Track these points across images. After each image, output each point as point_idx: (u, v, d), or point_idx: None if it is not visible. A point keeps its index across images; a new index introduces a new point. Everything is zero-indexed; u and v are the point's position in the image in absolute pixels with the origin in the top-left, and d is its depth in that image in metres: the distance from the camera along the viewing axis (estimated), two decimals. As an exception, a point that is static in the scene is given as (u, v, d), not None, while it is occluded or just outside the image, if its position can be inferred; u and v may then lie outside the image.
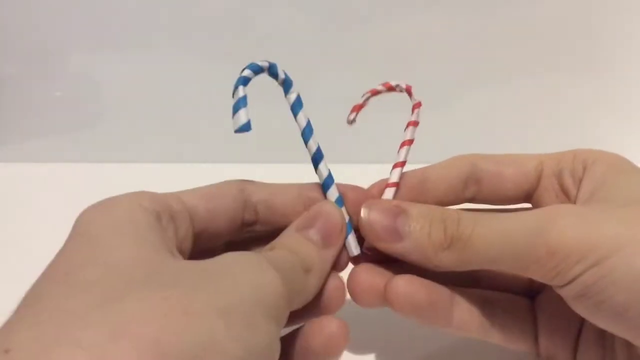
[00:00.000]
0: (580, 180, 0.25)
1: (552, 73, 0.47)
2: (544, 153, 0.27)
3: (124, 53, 0.45)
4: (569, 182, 0.25)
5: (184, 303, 0.16)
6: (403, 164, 0.27)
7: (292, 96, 0.25)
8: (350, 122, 0.27)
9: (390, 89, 0.27)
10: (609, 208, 0.22)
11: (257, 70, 0.24)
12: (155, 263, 0.18)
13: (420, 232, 0.23)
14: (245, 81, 0.23)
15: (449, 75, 0.46)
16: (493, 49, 0.45)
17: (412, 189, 0.27)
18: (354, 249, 0.25)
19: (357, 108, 0.27)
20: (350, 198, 0.25)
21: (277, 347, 0.19)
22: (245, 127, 0.22)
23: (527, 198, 0.27)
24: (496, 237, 0.22)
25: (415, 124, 0.27)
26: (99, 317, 0.15)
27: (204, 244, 0.24)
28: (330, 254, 0.24)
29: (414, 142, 0.27)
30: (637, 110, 0.47)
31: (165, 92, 0.46)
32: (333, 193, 0.25)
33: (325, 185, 0.25)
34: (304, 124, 0.25)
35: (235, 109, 0.23)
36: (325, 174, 0.25)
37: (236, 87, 0.23)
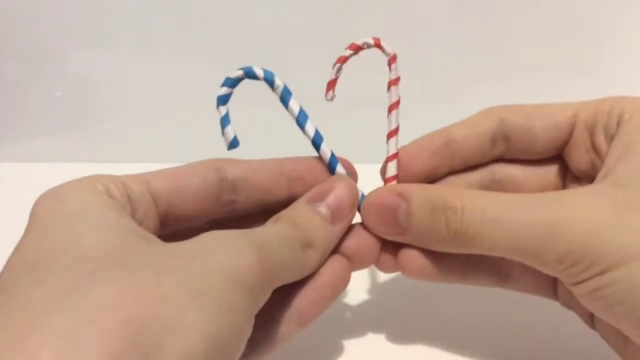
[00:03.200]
0: (612, 139, 0.23)
1: (552, 73, 0.46)
2: (581, 101, 0.26)
3: (124, 53, 0.45)
4: (600, 138, 0.24)
5: (153, 285, 0.16)
6: (396, 131, 0.26)
7: (279, 88, 0.24)
8: (330, 99, 0.25)
9: (358, 48, 0.25)
10: (626, 201, 0.21)
11: (233, 84, 0.24)
12: (122, 247, 0.18)
13: (420, 225, 0.23)
14: (223, 100, 0.24)
15: (449, 75, 0.46)
16: (493, 48, 0.45)
17: (436, 153, 0.26)
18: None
19: (332, 84, 0.25)
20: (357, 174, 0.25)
21: (250, 323, 0.19)
22: (234, 143, 0.24)
23: (558, 151, 0.26)
24: (504, 237, 0.21)
25: (396, 81, 0.25)
26: (70, 304, 0.15)
27: (179, 225, 0.23)
28: (337, 230, 0.23)
29: (401, 102, 0.25)
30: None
31: (165, 92, 0.46)
32: (340, 171, 0.25)
33: (330, 165, 0.25)
34: (297, 111, 0.24)
35: (222, 128, 0.24)
36: (328, 154, 0.25)
37: (217, 107, 0.24)
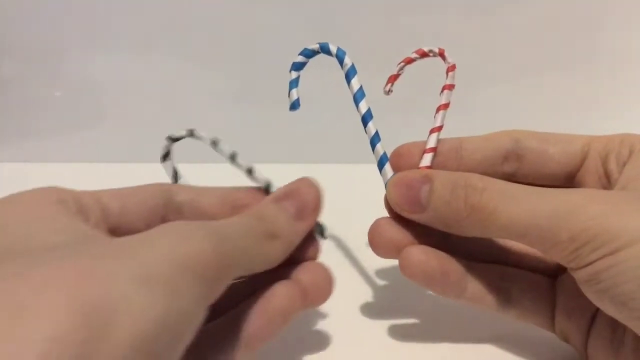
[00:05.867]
0: (624, 165, 0.24)
1: (552, 73, 0.47)
2: (592, 135, 0.27)
3: (124, 53, 0.45)
4: (613, 166, 0.25)
5: (99, 268, 0.16)
6: (440, 128, 0.27)
7: (347, 66, 0.26)
8: (387, 92, 0.28)
9: (424, 55, 0.27)
10: (638, 199, 0.22)
11: (308, 54, 0.27)
12: (72, 240, 0.18)
13: (440, 200, 0.24)
14: (296, 67, 0.27)
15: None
16: (493, 49, 0.45)
17: (442, 155, 0.27)
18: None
19: (393, 78, 0.28)
20: (392, 162, 0.27)
21: (202, 311, 0.19)
22: (295, 104, 0.27)
23: (569, 179, 0.27)
24: (520, 217, 0.22)
25: (450, 87, 0.27)
26: (17, 283, 0.15)
27: None
28: (301, 227, 0.24)
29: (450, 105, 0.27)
30: (638, 110, 0.47)
31: (165, 92, 0.46)
32: (379, 151, 0.27)
33: (372, 142, 0.27)
34: (356, 89, 0.26)
35: (289, 89, 0.27)
36: (373, 132, 0.26)
37: (290, 71, 0.27)
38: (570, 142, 0.27)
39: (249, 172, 0.25)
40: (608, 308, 0.22)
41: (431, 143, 0.27)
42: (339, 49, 0.26)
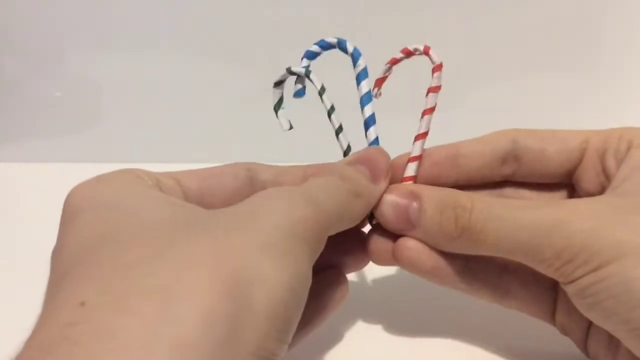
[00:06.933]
0: (622, 161, 0.24)
1: (552, 73, 0.47)
2: (591, 129, 0.26)
3: (124, 53, 0.45)
4: (611, 162, 0.25)
5: (227, 243, 0.17)
6: (425, 135, 0.26)
7: (360, 67, 0.26)
8: (375, 96, 0.27)
9: (409, 54, 0.26)
10: (626, 207, 0.22)
11: (325, 46, 0.26)
12: (183, 215, 0.19)
13: (431, 222, 0.24)
14: (309, 55, 0.26)
15: (448, 76, 0.46)
16: (493, 49, 0.45)
17: (439, 164, 0.27)
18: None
19: (379, 82, 0.27)
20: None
21: (311, 273, 0.20)
22: (300, 92, 0.27)
23: (568, 176, 0.27)
24: (507, 234, 0.22)
25: (436, 89, 0.26)
26: (158, 265, 0.16)
27: None
28: (377, 189, 0.25)
29: (436, 109, 0.26)
30: (638, 110, 0.47)
31: (165, 92, 0.46)
32: None
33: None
34: (364, 91, 0.26)
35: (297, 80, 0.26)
36: (372, 137, 0.26)
37: (302, 58, 0.26)
38: (568, 140, 0.26)
39: (339, 130, 0.26)
40: (597, 321, 0.22)
41: (416, 151, 0.26)
42: (355, 49, 0.26)
